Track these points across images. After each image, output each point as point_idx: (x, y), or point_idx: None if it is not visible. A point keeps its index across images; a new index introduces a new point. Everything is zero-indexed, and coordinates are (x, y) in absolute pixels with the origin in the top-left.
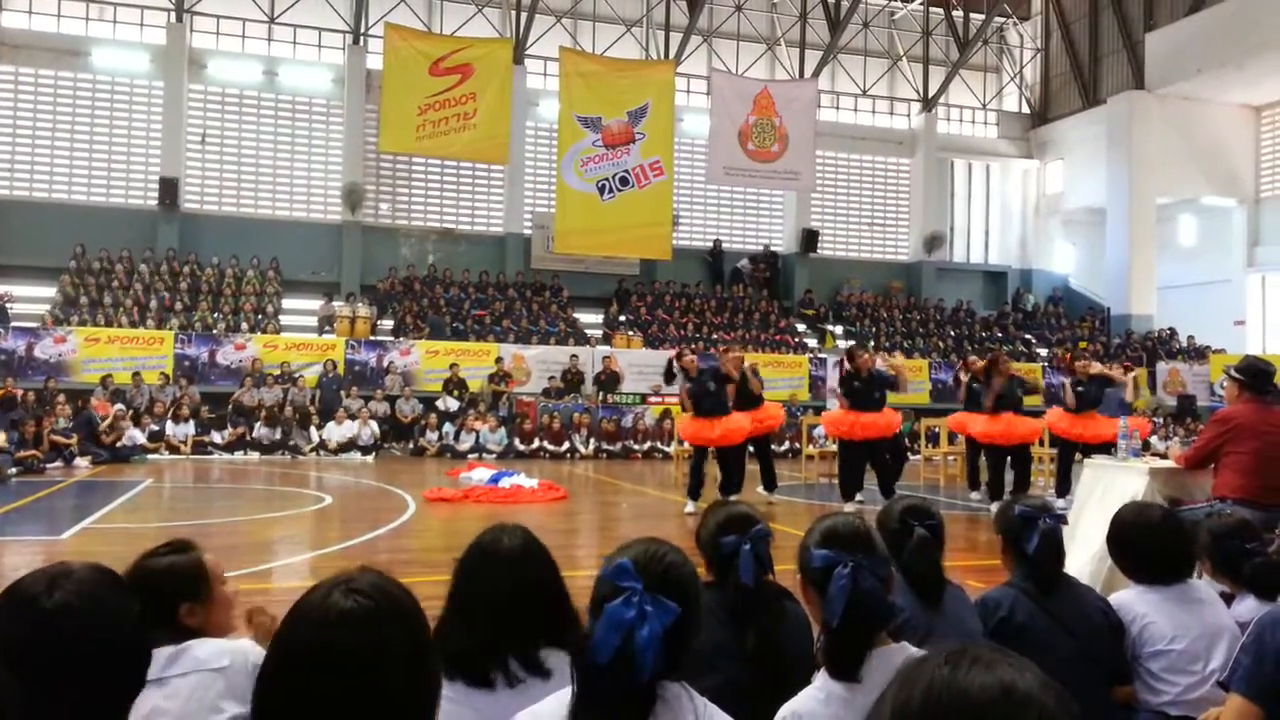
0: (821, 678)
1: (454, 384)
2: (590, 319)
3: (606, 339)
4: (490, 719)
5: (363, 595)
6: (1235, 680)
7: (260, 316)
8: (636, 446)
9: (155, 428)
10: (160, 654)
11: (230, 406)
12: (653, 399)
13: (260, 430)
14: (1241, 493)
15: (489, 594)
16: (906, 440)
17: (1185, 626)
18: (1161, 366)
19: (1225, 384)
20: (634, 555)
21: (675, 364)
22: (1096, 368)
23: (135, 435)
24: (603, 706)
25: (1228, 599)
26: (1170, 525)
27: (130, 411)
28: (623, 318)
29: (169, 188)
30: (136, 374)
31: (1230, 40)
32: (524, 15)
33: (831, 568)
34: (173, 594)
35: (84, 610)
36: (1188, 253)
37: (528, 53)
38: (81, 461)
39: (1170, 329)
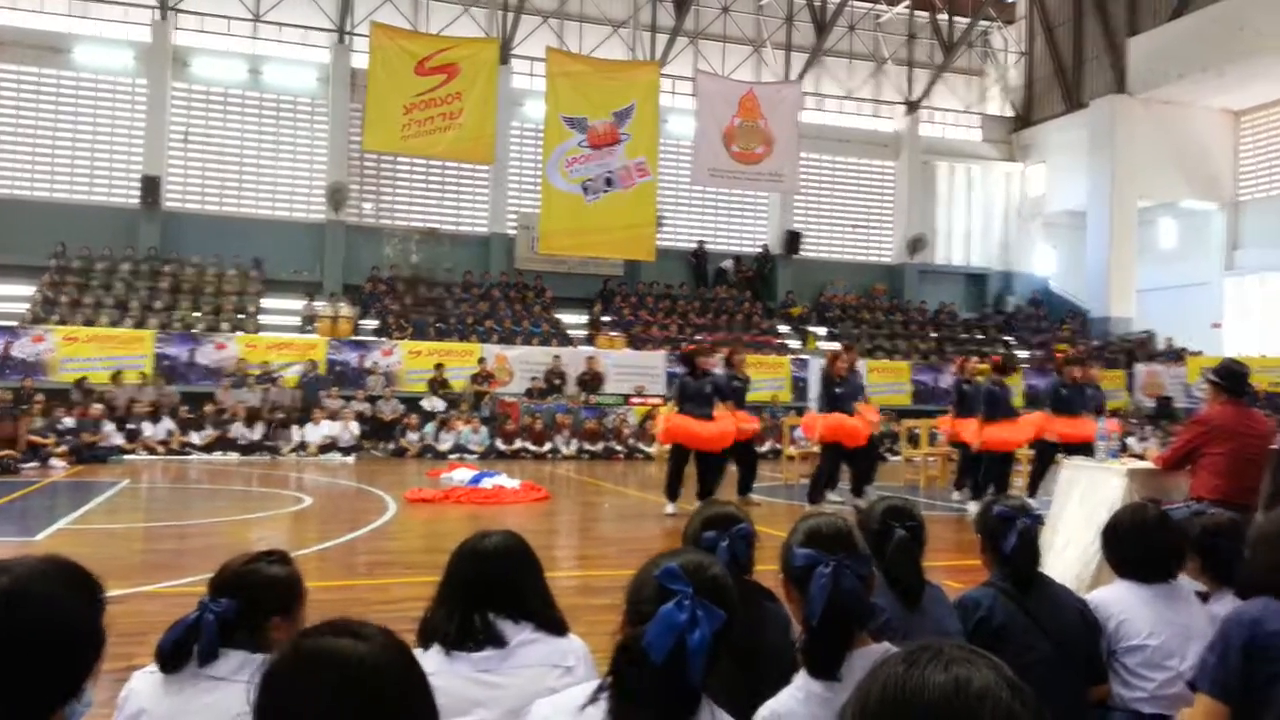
0: (801, 677)
1: (438, 384)
2: (574, 319)
3: (590, 340)
4: (455, 680)
5: (362, 638)
6: (1201, 679)
7: (241, 316)
8: (618, 447)
9: (132, 427)
10: (234, 655)
11: (209, 406)
12: (635, 400)
13: (239, 430)
14: (1218, 494)
15: (460, 580)
16: (886, 441)
17: (1163, 623)
18: (1140, 368)
19: (1203, 386)
20: (681, 562)
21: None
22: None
23: (112, 435)
24: (650, 707)
25: (1203, 597)
26: (1165, 525)
27: (112, 411)
28: (606, 318)
29: (151, 186)
30: (117, 373)
31: (1211, 46)
32: (510, 15)
33: (813, 566)
34: (268, 605)
35: (21, 599)
36: (1167, 256)
37: (514, 53)
38: (58, 462)
39: (1149, 332)
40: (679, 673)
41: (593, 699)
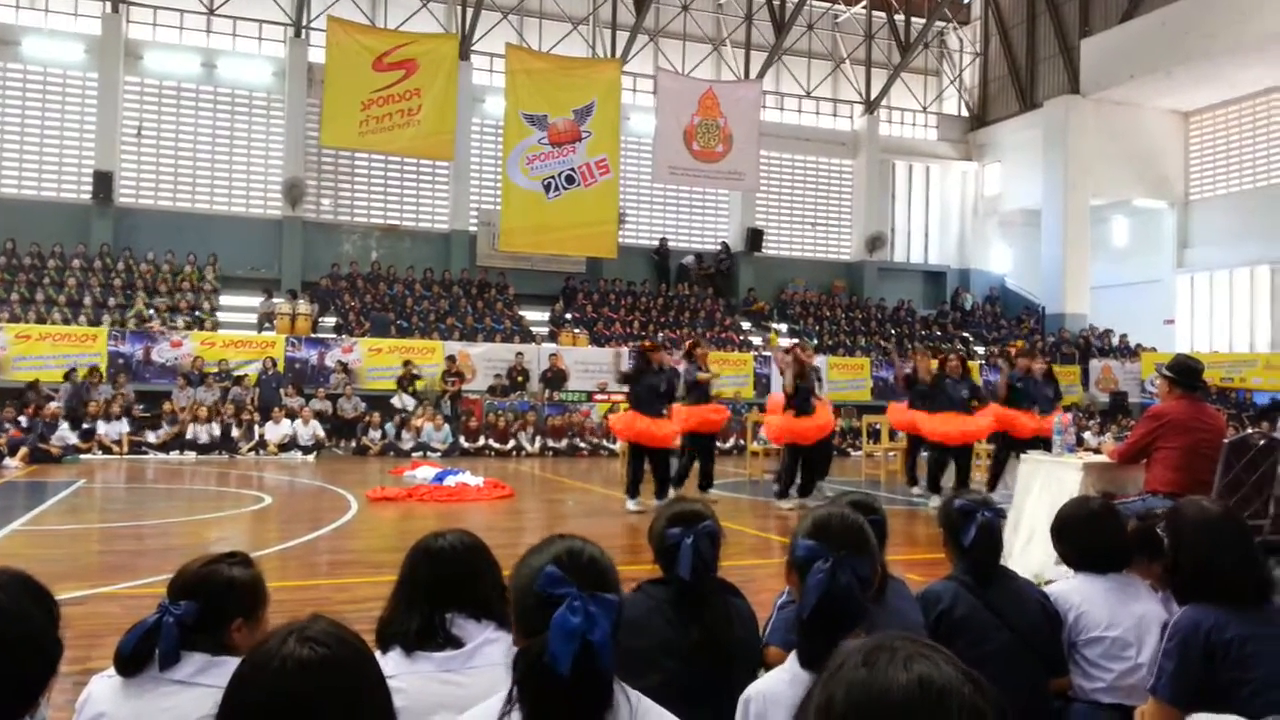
0: (791, 661)
1: (407, 380)
2: (536, 316)
3: (552, 337)
4: (418, 681)
5: (318, 643)
6: (1158, 685)
7: (197, 313)
8: (582, 444)
9: (87, 427)
10: (194, 658)
11: (166, 405)
12: (598, 396)
13: (197, 429)
14: (1172, 487)
15: (417, 581)
16: (848, 437)
17: (1120, 614)
18: (1095, 364)
19: (1157, 381)
20: (554, 556)
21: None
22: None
23: (66, 435)
24: (566, 713)
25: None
26: (1109, 516)
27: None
28: (569, 315)
29: (103, 181)
30: (73, 370)
31: (1161, 48)
32: (469, 11)
33: (813, 559)
34: (231, 607)
35: None
36: (1120, 253)
37: (474, 49)
38: (11, 462)
39: (1105, 329)
40: (590, 673)
41: (504, 714)
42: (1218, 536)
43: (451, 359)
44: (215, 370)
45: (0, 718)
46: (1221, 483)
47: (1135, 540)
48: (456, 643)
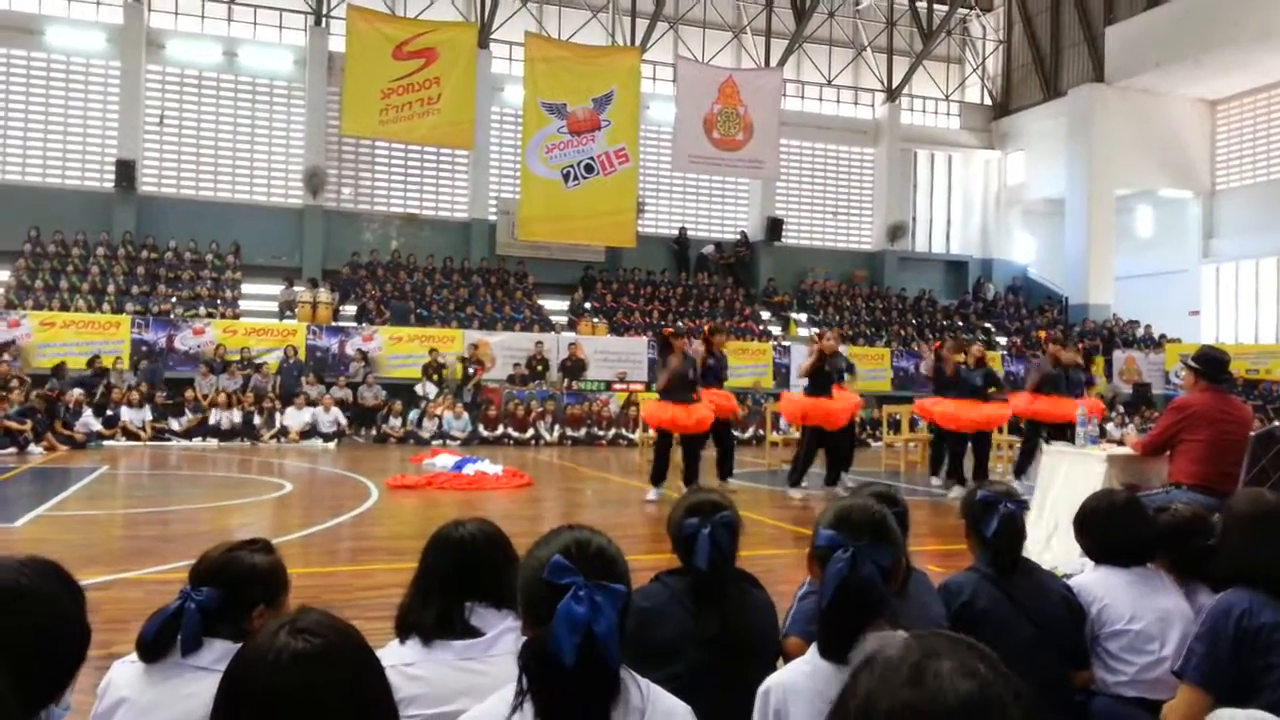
0: (812, 652)
1: (433, 368)
2: (555, 306)
3: (572, 326)
4: (437, 669)
5: (312, 634)
6: (1190, 670)
7: (219, 301)
8: (601, 433)
9: (110, 413)
10: (216, 645)
11: (189, 392)
12: (617, 386)
13: (219, 416)
14: (1196, 479)
15: (436, 570)
16: (868, 427)
17: (1143, 608)
18: (1118, 355)
19: (1182, 373)
20: (562, 547)
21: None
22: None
23: (90, 421)
24: (573, 703)
25: None
26: (1134, 509)
27: (91, 396)
28: (588, 305)
29: (126, 170)
30: (96, 357)
31: (1187, 35)
32: None
33: (833, 549)
34: (253, 594)
35: (23, 598)
36: (1145, 244)
37: (493, 37)
38: (35, 448)
39: (1129, 320)
40: (595, 663)
41: (516, 707)
42: (1265, 525)
43: (474, 346)
44: (237, 358)
45: (28, 705)
46: (1248, 475)
47: (1161, 542)
48: (475, 632)
